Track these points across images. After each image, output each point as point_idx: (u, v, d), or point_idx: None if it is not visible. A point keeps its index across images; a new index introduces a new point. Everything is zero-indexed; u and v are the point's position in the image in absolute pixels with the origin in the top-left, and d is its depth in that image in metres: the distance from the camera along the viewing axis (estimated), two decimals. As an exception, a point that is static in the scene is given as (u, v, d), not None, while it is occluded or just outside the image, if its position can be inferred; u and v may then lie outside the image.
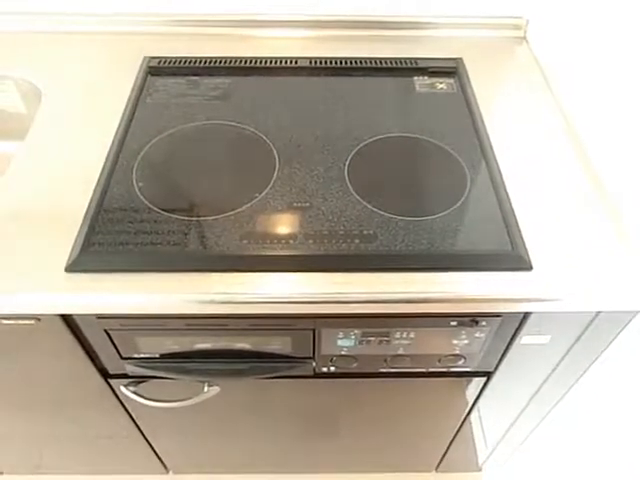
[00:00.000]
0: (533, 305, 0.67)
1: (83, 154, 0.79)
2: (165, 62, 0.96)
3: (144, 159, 0.79)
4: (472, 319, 0.72)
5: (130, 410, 0.94)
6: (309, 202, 0.74)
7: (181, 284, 0.65)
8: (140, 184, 0.76)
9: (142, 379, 0.82)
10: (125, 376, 0.81)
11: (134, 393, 0.82)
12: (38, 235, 0.69)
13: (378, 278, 0.66)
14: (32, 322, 0.68)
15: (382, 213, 0.73)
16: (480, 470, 1.29)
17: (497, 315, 0.71)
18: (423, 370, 0.83)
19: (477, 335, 0.74)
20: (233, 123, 0.85)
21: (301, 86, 0.93)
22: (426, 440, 1.11)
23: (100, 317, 0.69)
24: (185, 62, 0.96)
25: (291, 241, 0.69)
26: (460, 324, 0.72)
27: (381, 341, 0.75)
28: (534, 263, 0.67)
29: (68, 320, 0.70)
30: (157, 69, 0.95)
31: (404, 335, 0.74)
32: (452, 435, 1.08)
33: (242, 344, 0.77)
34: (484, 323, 0.72)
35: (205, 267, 0.66)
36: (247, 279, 0.65)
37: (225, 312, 0.66)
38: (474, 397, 0.93)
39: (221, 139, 0.83)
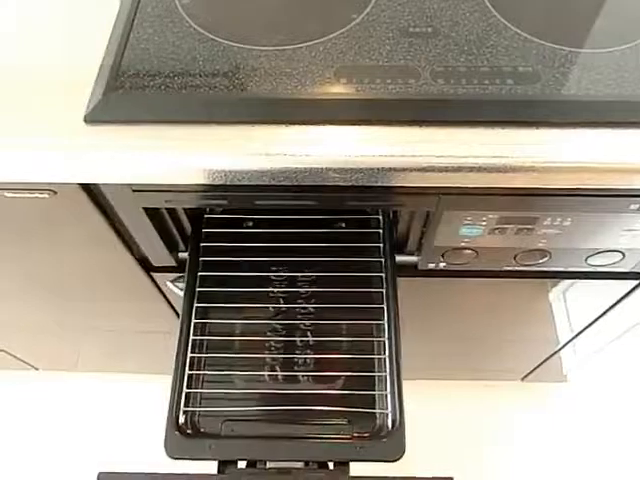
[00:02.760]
0: None
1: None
2: None
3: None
4: (662, 201, 0.50)
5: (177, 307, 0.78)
6: (432, 26, 0.50)
7: (250, 139, 0.44)
8: (185, 1, 0.52)
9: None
10: (172, 269, 0.64)
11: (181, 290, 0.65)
12: (60, 86, 0.48)
13: (542, 135, 0.44)
14: (46, 195, 0.49)
15: (542, 42, 0.49)
16: (566, 381, 1.13)
17: None
18: (560, 269, 0.63)
19: (662, 225, 0.53)
20: None
21: None
22: (528, 348, 0.94)
23: (135, 189, 0.49)
24: None
25: (412, 80, 0.46)
26: (641, 208, 0.51)
27: (520, 229, 0.55)
28: None
29: (94, 196, 0.51)
30: None
31: (556, 222, 0.53)
32: (556, 346, 0.90)
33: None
34: (681, 207, 0.50)
35: (282, 116, 0.45)
36: (347, 132, 0.44)
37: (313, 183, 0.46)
38: (609, 305, 0.73)
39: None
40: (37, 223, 0.56)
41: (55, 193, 0.49)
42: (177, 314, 0.81)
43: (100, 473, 0.48)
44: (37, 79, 0.49)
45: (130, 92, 0.46)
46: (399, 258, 0.62)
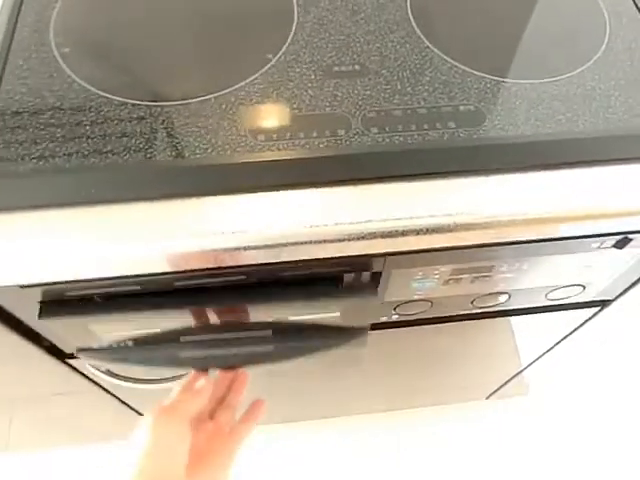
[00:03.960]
0: None
1: None
2: None
3: (64, 12, 0.47)
4: (624, 237, 0.46)
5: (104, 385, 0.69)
6: (359, 63, 0.44)
7: (149, 217, 0.36)
8: (64, 50, 0.44)
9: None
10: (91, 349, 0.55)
11: (106, 373, 0.56)
12: None
13: (491, 185, 0.39)
14: None
15: (482, 75, 0.44)
16: (527, 394, 1.11)
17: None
18: (520, 307, 0.58)
19: (625, 259, 0.49)
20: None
21: None
22: (492, 373, 0.90)
23: (24, 287, 0.40)
24: None
25: (341, 131, 0.40)
26: (603, 245, 0.46)
27: (476, 278, 0.49)
28: None
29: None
30: None
31: (514, 267, 0.48)
32: (519, 368, 0.87)
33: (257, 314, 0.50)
34: (642, 242, 0.46)
35: (189, 188, 0.37)
36: (266, 201, 0.37)
37: (235, 263, 0.39)
38: (571, 329, 0.69)
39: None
40: None
41: None
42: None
43: None
44: None
45: (7, 166, 0.38)
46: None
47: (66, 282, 0.39)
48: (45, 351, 0.53)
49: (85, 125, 0.40)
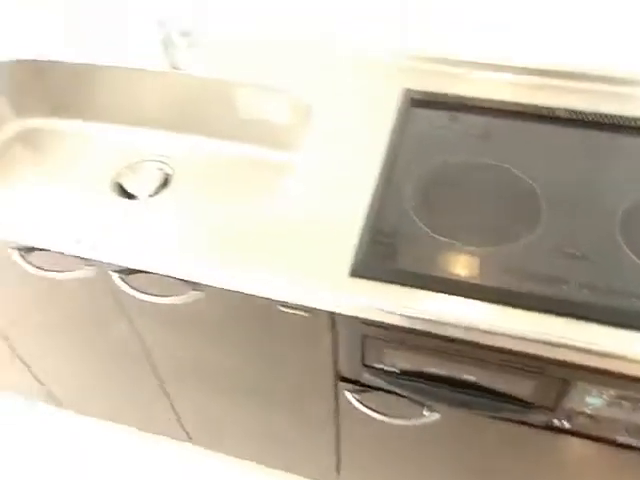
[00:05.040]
0: None
1: (354, 169, 0.86)
2: (425, 96, 1.02)
3: (411, 182, 0.84)
4: None
5: (340, 416, 0.98)
6: (580, 251, 0.74)
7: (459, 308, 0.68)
8: (412, 203, 0.81)
9: (367, 389, 0.86)
10: (354, 382, 0.86)
11: (358, 401, 0.86)
12: (321, 239, 0.76)
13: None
14: (305, 314, 0.75)
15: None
16: None
17: None
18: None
19: None
20: (495, 162, 0.88)
21: (560, 135, 0.93)
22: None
23: (365, 322, 0.73)
24: (444, 98, 1.01)
25: (564, 286, 0.69)
26: None
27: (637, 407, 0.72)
28: None
29: (333, 318, 0.76)
30: (417, 101, 1.01)
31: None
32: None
33: (479, 377, 0.77)
34: None
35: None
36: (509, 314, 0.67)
37: (491, 344, 0.68)
38: None
39: (484, 175, 0.86)
40: (283, 329, 0.81)
41: (311, 314, 0.74)
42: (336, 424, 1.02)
43: None
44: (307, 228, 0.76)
45: (380, 260, 0.73)
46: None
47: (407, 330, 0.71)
48: (333, 368, 0.85)
49: (422, 245, 0.74)
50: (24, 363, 1.27)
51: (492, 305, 0.68)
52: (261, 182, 1.09)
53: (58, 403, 1.42)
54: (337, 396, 0.92)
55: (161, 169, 1.16)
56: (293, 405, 1.01)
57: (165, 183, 1.13)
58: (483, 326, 0.67)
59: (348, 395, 0.87)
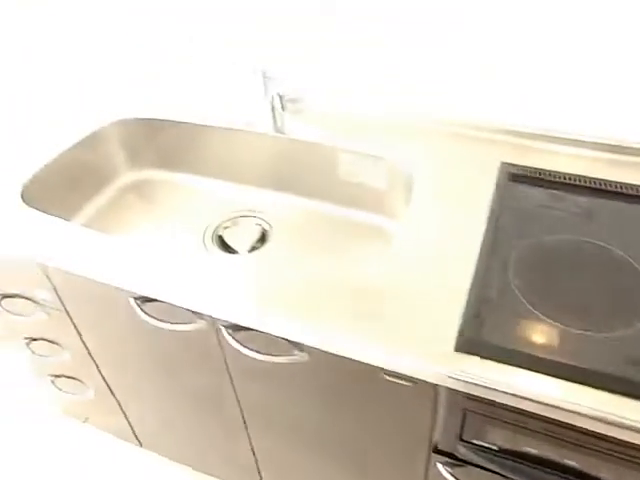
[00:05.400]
0: None
1: (456, 241, 0.88)
2: (523, 170, 1.03)
3: (514, 258, 0.85)
4: None
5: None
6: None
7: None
8: (516, 281, 0.81)
9: (462, 463, 0.85)
10: (448, 455, 0.85)
11: (451, 474, 0.85)
12: (425, 308, 0.78)
13: None
14: (409, 384, 0.76)
15: None
16: None
17: None
18: None
19: None
20: (600, 242, 0.88)
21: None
22: None
23: (469, 397, 0.74)
24: (542, 174, 1.02)
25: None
26: None
27: None
28: None
29: (436, 390, 0.77)
30: (516, 176, 1.03)
31: None
32: None
33: (582, 464, 0.75)
34: None
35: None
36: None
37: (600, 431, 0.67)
38: None
39: (589, 256, 0.86)
40: (385, 398, 0.83)
41: (416, 384, 0.76)
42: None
43: None
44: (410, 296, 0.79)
45: (486, 337, 0.74)
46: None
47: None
48: (428, 440, 0.85)
49: (528, 326, 0.75)
50: (118, 402, 1.33)
51: (610, 395, 0.67)
52: (356, 245, 1.13)
53: (139, 443, 1.47)
54: (427, 467, 0.91)
55: (259, 224, 1.22)
56: (382, 471, 1.01)
57: (262, 238, 1.19)
58: (607, 417, 0.66)
59: (440, 467, 0.87)
